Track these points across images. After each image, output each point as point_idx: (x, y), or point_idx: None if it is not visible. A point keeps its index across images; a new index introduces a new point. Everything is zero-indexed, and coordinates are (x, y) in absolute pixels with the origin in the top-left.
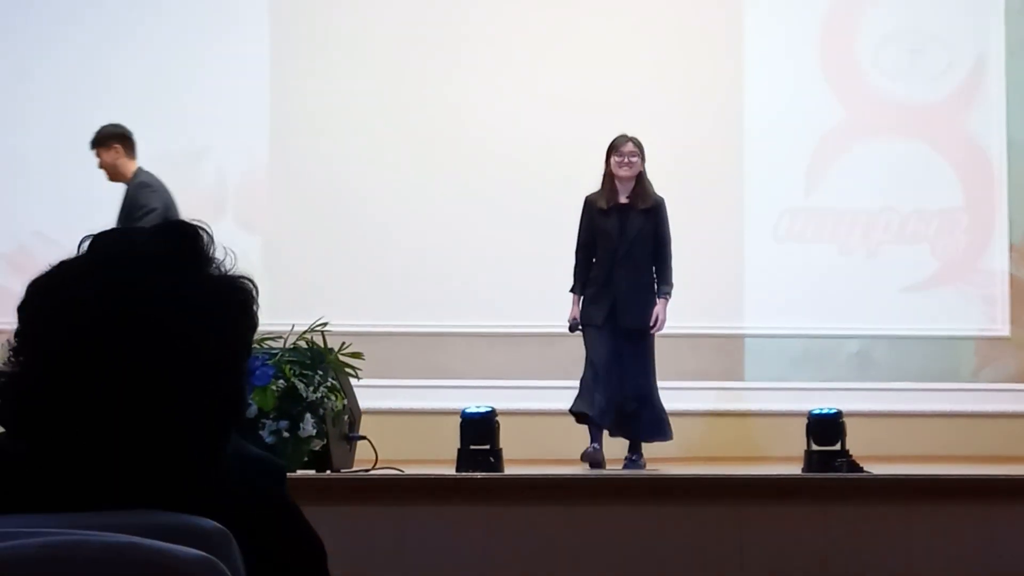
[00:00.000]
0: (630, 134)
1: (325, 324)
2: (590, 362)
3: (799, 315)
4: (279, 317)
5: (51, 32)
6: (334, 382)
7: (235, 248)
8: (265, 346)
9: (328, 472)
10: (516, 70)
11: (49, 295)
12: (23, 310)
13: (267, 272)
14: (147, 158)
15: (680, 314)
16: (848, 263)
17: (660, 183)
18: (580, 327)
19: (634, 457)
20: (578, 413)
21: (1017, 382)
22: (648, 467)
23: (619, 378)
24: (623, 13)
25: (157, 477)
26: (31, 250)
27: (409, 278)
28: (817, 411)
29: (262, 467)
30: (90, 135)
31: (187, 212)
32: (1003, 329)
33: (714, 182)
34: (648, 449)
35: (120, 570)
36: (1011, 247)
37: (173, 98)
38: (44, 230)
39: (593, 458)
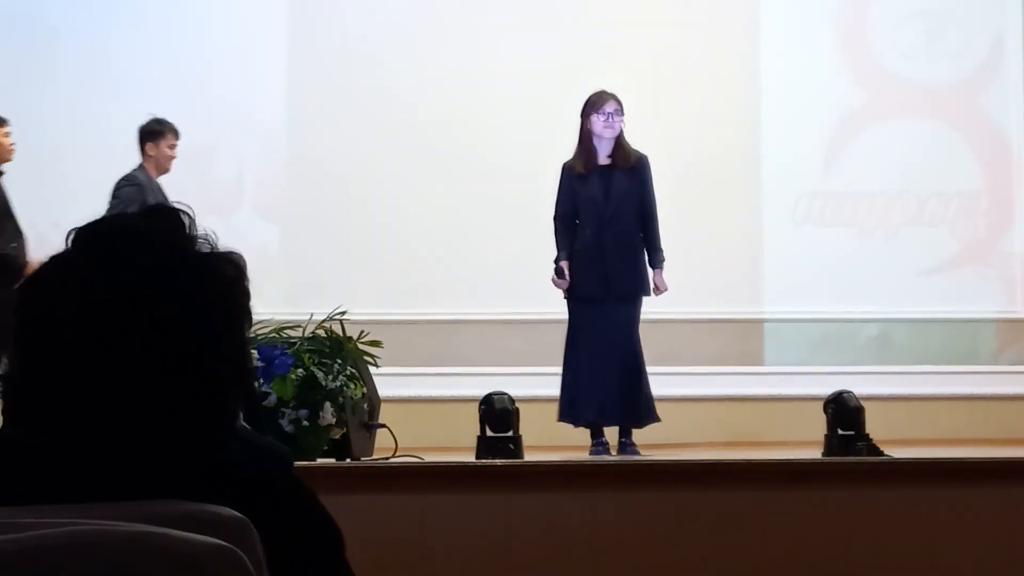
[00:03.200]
0: (610, 90)
1: (344, 313)
2: (576, 351)
3: (818, 299)
4: (298, 306)
5: (71, 26)
6: (353, 370)
7: (253, 238)
8: (284, 335)
9: (348, 460)
10: (533, 58)
11: (42, 293)
12: (19, 312)
13: (285, 261)
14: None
15: (699, 299)
16: (867, 246)
17: (678, 168)
18: (568, 280)
19: (627, 441)
20: (587, 423)
21: None
22: (666, 453)
23: (607, 357)
24: None
25: (168, 462)
26: (49, 241)
27: (427, 266)
28: (837, 394)
29: (270, 453)
30: (108, 127)
31: (205, 203)
32: (1023, 311)
33: (732, 166)
34: (666, 434)
35: (141, 559)
36: None
37: (191, 89)
38: (62, 222)
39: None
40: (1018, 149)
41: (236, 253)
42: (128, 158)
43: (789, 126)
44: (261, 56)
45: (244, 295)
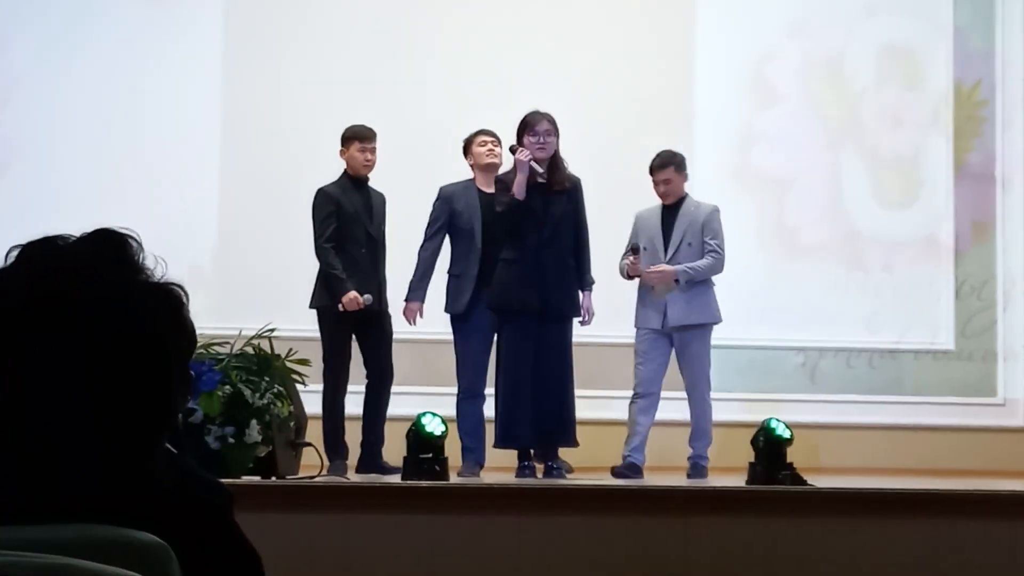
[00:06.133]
0: (543, 110)
1: (273, 330)
2: (513, 373)
3: (745, 326)
4: (227, 322)
5: (3, 38)
6: (280, 388)
7: (186, 251)
8: (212, 351)
9: (273, 479)
10: (471, 69)
11: None
12: None
13: (217, 276)
14: (98, 159)
15: (628, 324)
16: (798, 275)
17: (608, 192)
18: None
19: (554, 464)
20: (517, 447)
21: (960, 395)
22: (593, 477)
23: (542, 379)
24: (574, 44)
25: (91, 486)
26: None
27: None
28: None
29: (206, 485)
30: (43, 143)
31: (138, 214)
32: (947, 343)
33: None
34: (593, 457)
35: None
36: (956, 261)
37: (126, 100)
38: None
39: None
40: (946, 188)
41: (177, 284)
42: (42, 175)
43: (720, 153)
44: (196, 71)
45: (176, 327)
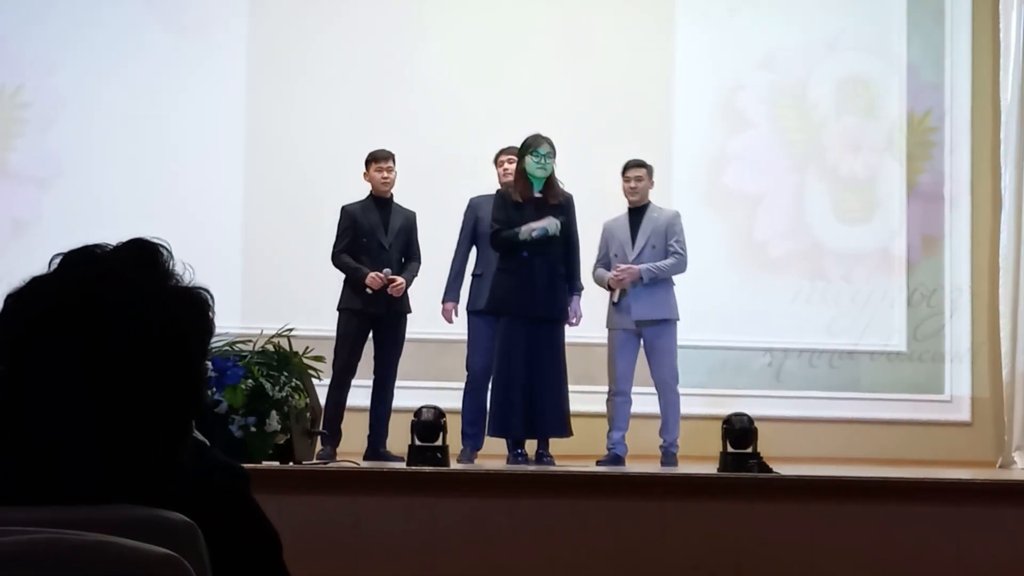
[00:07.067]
0: (544, 134)
1: (291, 330)
2: (509, 369)
3: (718, 329)
4: (251, 322)
5: (40, 56)
6: (298, 382)
7: (212, 256)
8: (236, 349)
9: (291, 464)
10: (473, 97)
11: (24, 307)
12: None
13: (241, 281)
14: (134, 175)
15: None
16: (765, 284)
17: (594, 205)
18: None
19: (544, 453)
20: (509, 437)
21: (911, 393)
22: (579, 464)
23: (528, 371)
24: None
25: (124, 471)
26: None
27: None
28: (732, 415)
29: (228, 469)
30: (85, 160)
31: (169, 226)
32: (900, 345)
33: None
34: (580, 447)
35: (92, 568)
36: (908, 272)
37: (158, 121)
38: None
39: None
40: (899, 206)
41: (204, 288)
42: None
43: (695, 174)
44: (221, 95)
45: (202, 329)
